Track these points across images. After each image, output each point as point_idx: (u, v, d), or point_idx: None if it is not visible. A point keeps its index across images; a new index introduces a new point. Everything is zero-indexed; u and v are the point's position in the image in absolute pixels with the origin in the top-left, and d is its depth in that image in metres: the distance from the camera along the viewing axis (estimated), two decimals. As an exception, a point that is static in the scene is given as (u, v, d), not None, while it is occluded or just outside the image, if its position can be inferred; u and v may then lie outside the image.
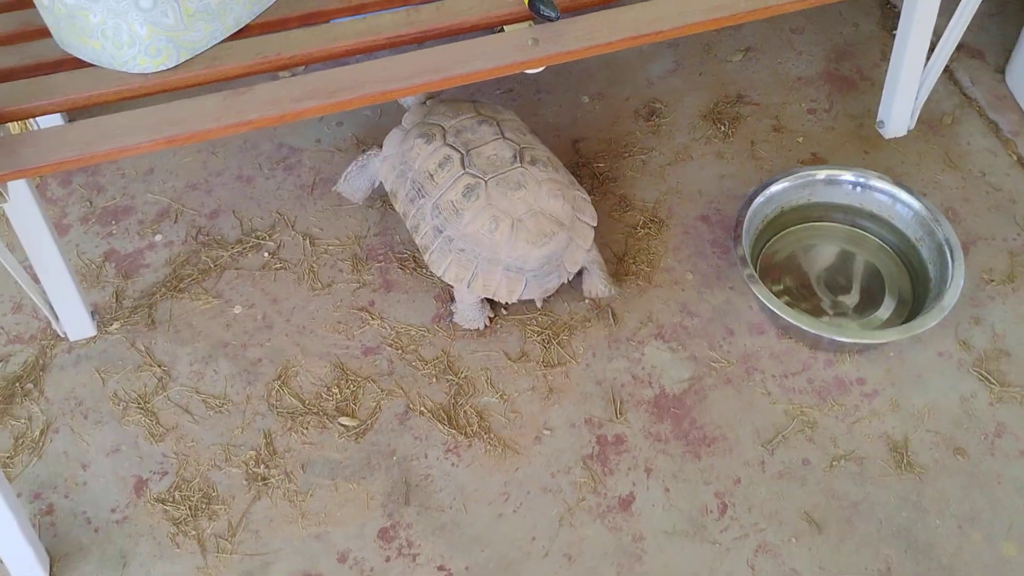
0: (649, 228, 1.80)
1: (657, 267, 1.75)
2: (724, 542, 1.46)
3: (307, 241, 1.78)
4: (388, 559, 1.44)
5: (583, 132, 1.95)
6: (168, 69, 1.28)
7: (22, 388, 1.59)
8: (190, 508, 1.48)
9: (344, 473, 1.52)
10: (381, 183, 1.75)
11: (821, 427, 1.57)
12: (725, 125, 1.96)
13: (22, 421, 1.56)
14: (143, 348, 1.64)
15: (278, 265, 1.75)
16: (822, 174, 1.73)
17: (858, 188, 1.74)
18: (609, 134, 1.95)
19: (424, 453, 1.54)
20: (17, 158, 1.20)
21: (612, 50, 1.33)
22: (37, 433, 1.54)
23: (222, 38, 1.32)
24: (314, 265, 1.75)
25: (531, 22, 1.36)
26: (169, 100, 1.25)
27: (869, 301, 1.71)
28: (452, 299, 1.69)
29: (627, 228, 1.80)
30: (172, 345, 1.65)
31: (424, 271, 1.74)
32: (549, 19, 1.31)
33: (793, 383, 1.61)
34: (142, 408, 1.57)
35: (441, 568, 1.43)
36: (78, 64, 1.31)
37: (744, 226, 1.68)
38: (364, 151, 1.77)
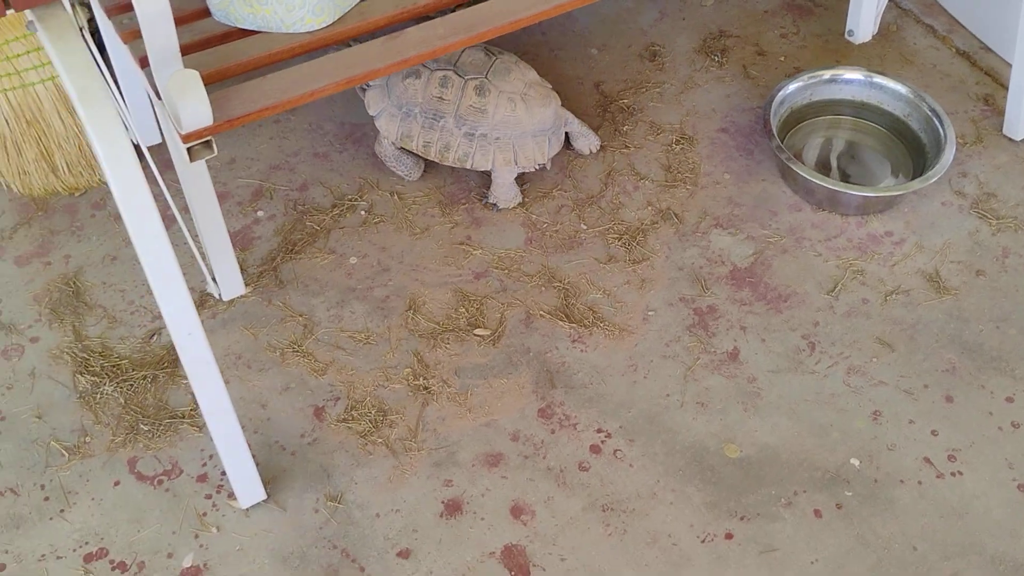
0: (682, 144, 2.09)
1: (699, 173, 2.04)
2: (820, 371, 1.74)
3: (395, 197, 1.99)
4: (553, 432, 1.67)
5: (600, 77, 2.23)
6: (328, 26, 1.49)
7: (183, 352, 1.74)
8: (370, 422, 1.67)
9: (492, 372, 1.74)
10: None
11: (868, 273, 1.88)
12: (717, 56, 2.28)
13: (193, 379, 1.71)
14: (280, 304, 1.81)
15: (376, 220, 1.95)
16: (827, 73, 2.07)
17: (851, 84, 2.08)
18: (623, 75, 2.23)
19: (554, 346, 1.77)
20: (229, 109, 1.38)
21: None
22: (211, 386, 1.70)
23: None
24: (407, 215, 1.96)
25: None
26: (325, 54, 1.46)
27: (877, 173, 2.04)
28: (485, 195, 1.97)
29: (664, 146, 2.09)
30: (305, 297, 1.83)
31: (505, 205, 1.98)
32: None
33: (836, 244, 1.93)
34: (298, 351, 1.75)
35: (599, 431, 1.67)
36: (243, 34, 1.50)
37: (772, 125, 1.99)
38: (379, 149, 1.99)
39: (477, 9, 1.54)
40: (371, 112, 1.94)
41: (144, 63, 1.40)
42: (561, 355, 1.77)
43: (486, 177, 1.99)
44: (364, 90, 1.97)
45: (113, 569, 1.49)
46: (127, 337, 1.76)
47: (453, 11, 1.58)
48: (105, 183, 1.96)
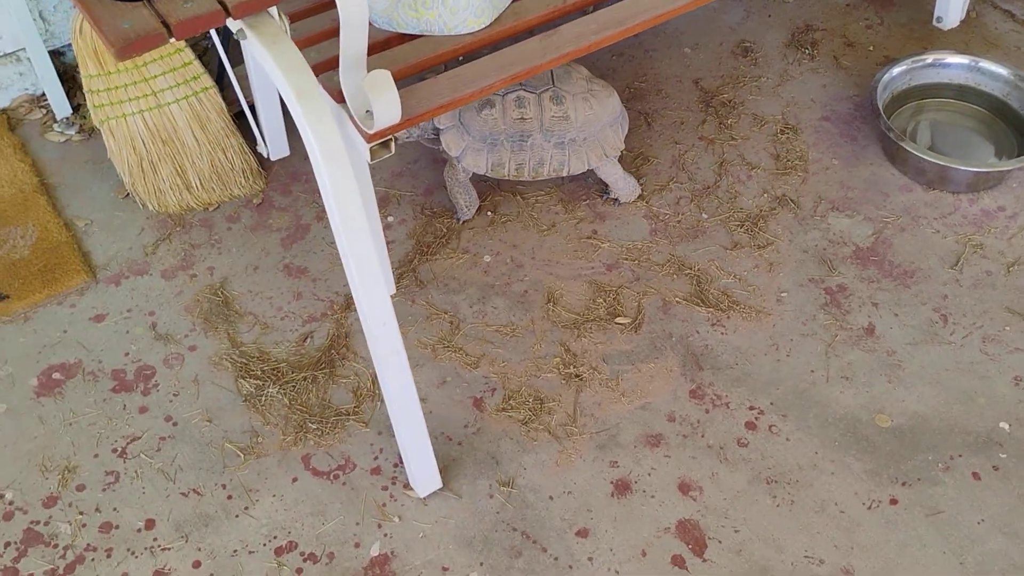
0: (787, 133, 2.16)
1: (807, 160, 2.10)
2: (956, 341, 1.79)
3: (517, 197, 2.04)
4: (707, 411, 1.71)
5: (698, 74, 2.29)
6: (487, 27, 1.56)
7: (337, 353, 1.79)
8: (529, 410, 1.71)
9: (639, 357, 1.78)
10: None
11: (987, 246, 1.93)
12: (808, 49, 2.34)
13: (351, 378, 1.75)
14: (424, 302, 1.86)
15: (503, 219, 2.00)
16: (930, 58, 2.14)
17: (951, 67, 2.15)
18: (719, 71, 2.30)
19: (695, 330, 1.82)
20: (408, 109, 1.44)
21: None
22: (369, 384, 1.75)
23: (511, 1, 1.60)
24: (532, 213, 2.01)
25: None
26: (485, 53, 1.53)
27: (980, 153, 2.10)
28: (605, 191, 2.03)
29: (770, 136, 2.15)
30: (447, 295, 1.88)
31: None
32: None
33: (951, 220, 1.98)
34: (448, 346, 1.80)
35: (752, 408, 1.72)
36: (403, 39, 1.57)
37: (880, 107, 2.05)
38: (450, 173, 1.98)
39: (625, 5, 1.60)
40: (453, 153, 1.93)
41: (319, 69, 1.47)
42: (703, 338, 1.82)
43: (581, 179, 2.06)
44: (436, 134, 1.96)
45: (304, 560, 1.54)
46: (281, 342, 1.81)
47: (594, 9, 1.64)
48: (237, 197, 2.02)
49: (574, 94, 1.91)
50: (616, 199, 2.02)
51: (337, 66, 1.49)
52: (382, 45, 1.56)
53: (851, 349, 1.79)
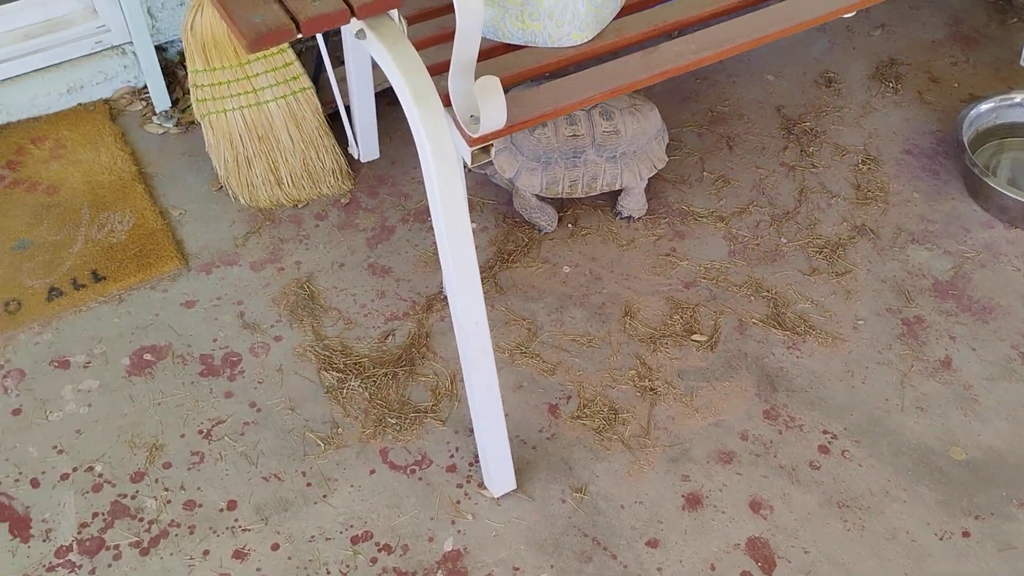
0: (868, 164, 2.17)
1: (888, 191, 2.11)
2: (1033, 379, 1.79)
3: (598, 211, 2.08)
4: (780, 432, 1.73)
5: (780, 101, 2.32)
6: (588, 41, 1.60)
7: (418, 352, 1.83)
8: (603, 419, 1.74)
9: (714, 375, 1.80)
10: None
11: (1068, 287, 1.93)
12: (892, 82, 2.36)
13: (430, 377, 1.79)
14: (503, 308, 1.90)
15: (583, 232, 2.04)
16: (1018, 97, 2.14)
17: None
18: (802, 100, 2.32)
19: (771, 352, 1.84)
20: (510, 115, 1.48)
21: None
22: (448, 383, 1.79)
23: (613, 16, 1.64)
24: (612, 228, 2.05)
25: (835, -18, 1.72)
26: (590, 66, 1.56)
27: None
28: (619, 209, 2.05)
29: (851, 166, 2.16)
30: (525, 302, 1.91)
31: (705, 218, 2.05)
32: (862, -27, 1.68)
33: (1033, 259, 1.99)
34: (525, 352, 1.83)
35: (825, 432, 1.73)
36: (506, 49, 1.61)
37: (965, 142, 2.06)
38: (518, 201, 2.01)
39: (725, 26, 1.63)
40: (508, 175, 1.96)
41: (435, 71, 1.51)
42: (778, 360, 1.83)
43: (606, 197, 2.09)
44: (488, 169, 2.01)
45: (379, 550, 1.57)
46: (363, 337, 1.85)
47: (696, 30, 1.68)
48: (325, 196, 2.08)
49: (621, 109, 1.95)
50: (630, 216, 2.05)
51: (442, 71, 1.54)
52: (487, 53, 1.60)
53: (927, 380, 1.80)
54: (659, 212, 2.08)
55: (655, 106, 2.01)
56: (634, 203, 2.04)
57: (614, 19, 1.65)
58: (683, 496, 1.65)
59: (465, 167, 1.90)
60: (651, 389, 1.79)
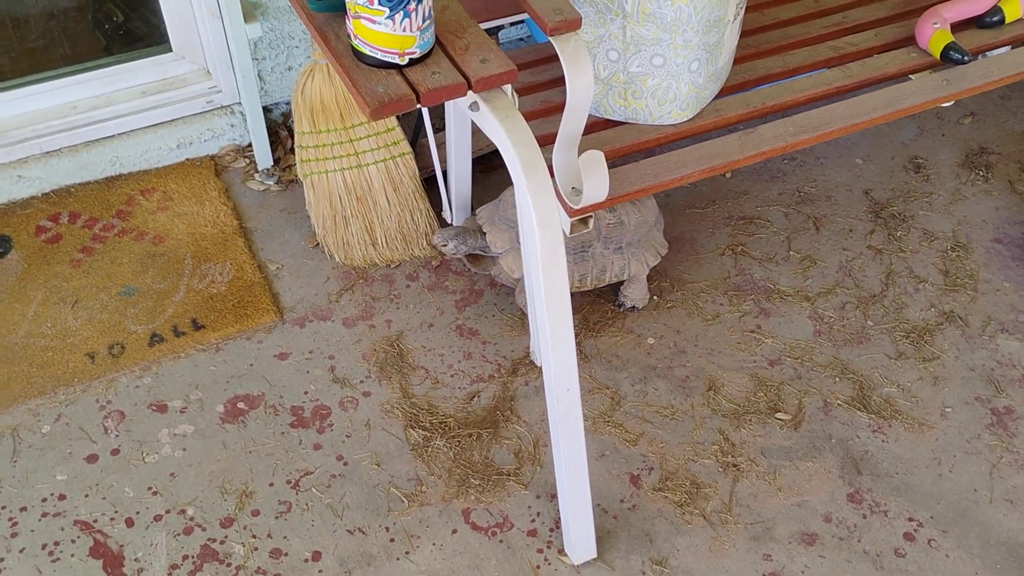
0: (957, 251, 2.16)
1: (977, 279, 2.10)
2: None
3: (685, 285, 2.10)
4: (864, 516, 1.71)
5: (868, 184, 2.33)
6: (688, 120, 1.64)
7: (502, 415, 1.86)
8: (685, 493, 1.74)
9: (798, 455, 1.80)
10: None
11: None
12: (982, 171, 2.36)
13: (514, 440, 1.82)
14: (587, 376, 1.93)
15: (668, 305, 2.06)
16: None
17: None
18: (890, 184, 2.33)
19: (855, 435, 1.83)
20: (610, 189, 1.53)
21: (1012, 81, 1.72)
22: (531, 448, 1.81)
23: (712, 97, 1.68)
24: (697, 302, 2.07)
25: (932, 69, 1.75)
26: (687, 144, 1.61)
27: None
28: (620, 302, 2.04)
29: (939, 252, 2.16)
30: (609, 372, 1.94)
31: (791, 297, 2.06)
32: (961, 63, 1.71)
33: None
34: (608, 421, 1.85)
35: (911, 519, 1.70)
36: (607, 124, 1.66)
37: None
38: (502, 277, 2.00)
39: (823, 111, 1.67)
40: (516, 275, 1.94)
41: (545, 141, 1.57)
42: (863, 443, 1.82)
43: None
44: (483, 252, 1.99)
45: (459, 611, 1.59)
46: (450, 397, 1.89)
47: (793, 114, 1.71)
48: (417, 257, 2.14)
49: (623, 206, 1.94)
50: (634, 306, 2.04)
51: (544, 144, 1.60)
52: (588, 128, 1.65)
53: (1017, 473, 1.77)
54: (745, 289, 2.10)
55: (651, 195, 2.00)
56: (637, 293, 2.03)
57: (713, 99, 1.69)
58: (764, 575, 1.63)
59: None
60: (734, 465, 1.79)
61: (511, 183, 1.85)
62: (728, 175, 2.36)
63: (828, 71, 1.74)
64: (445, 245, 1.97)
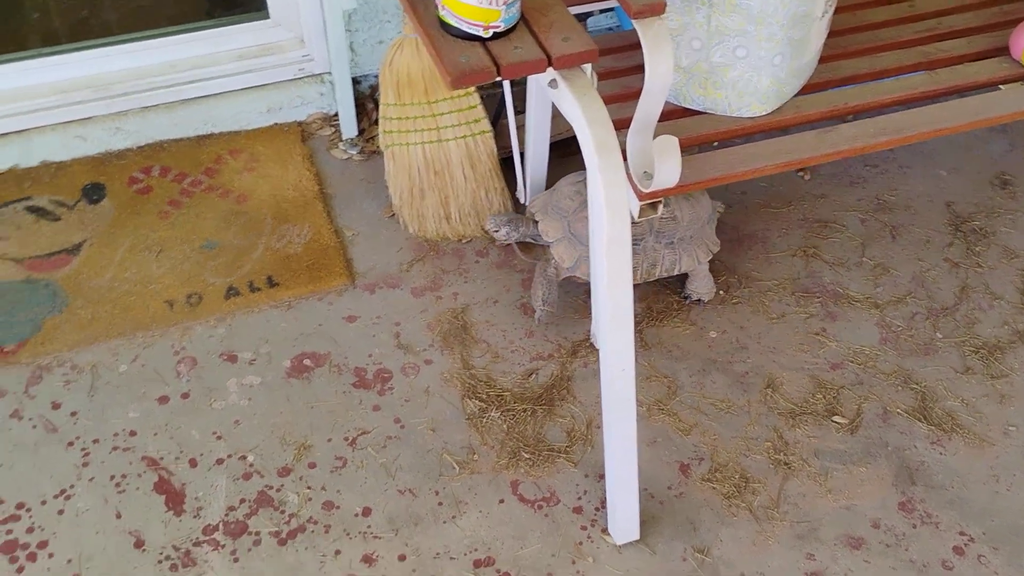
0: (1038, 270, 2.12)
1: (1057, 300, 2.06)
2: None
3: (752, 283, 2.10)
4: (914, 526, 1.69)
5: (951, 197, 2.29)
6: (767, 114, 1.64)
7: (558, 394, 1.89)
8: (733, 486, 1.75)
9: (852, 459, 1.79)
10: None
11: None
12: (1071, 191, 2.30)
13: (567, 419, 1.85)
14: (646, 363, 1.94)
15: (734, 300, 2.06)
16: None
17: None
18: (974, 199, 2.29)
19: (913, 444, 1.81)
20: (681, 176, 1.54)
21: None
22: (584, 428, 1.83)
23: (794, 93, 1.68)
24: (763, 300, 2.06)
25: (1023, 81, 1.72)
26: (762, 138, 1.61)
27: None
28: (685, 295, 2.04)
29: (1019, 271, 2.12)
30: (668, 361, 1.95)
31: (860, 303, 2.05)
32: (1053, 76, 1.67)
33: None
34: (663, 409, 1.86)
35: (962, 533, 1.68)
36: (685, 113, 1.67)
37: None
38: (542, 268, 1.97)
39: (906, 115, 1.65)
40: (566, 264, 1.91)
41: (621, 125, 1.59)
42: (920, 454, 1.80)
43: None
44: (533, 240, 1.99)
45: (499, 578, 1.63)
46: (508, 372, 1.92)
47: (875, 116, 1.70)
48: (488, 235, 2.17)
49: (676, 196, 1.94)
50: (699, 299, 2.04)
51: (620, 128, 1.61)
52: (666, 115, 1.67)
53: (1078, 498, 1.73)
54: (813, 291, 2.08)
55: (705, 191, 2.00)
56: (702, 286, 2.03)
57: (795, 96, 1.69)
58: (806, 574, 1.63)
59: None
60: (785, 463, 1.78)
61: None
62: (807, 177, 2.34)
63: (915, 75, 1.72)
64: (497, 231, 1.99)
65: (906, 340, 1.99)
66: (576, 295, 2.06)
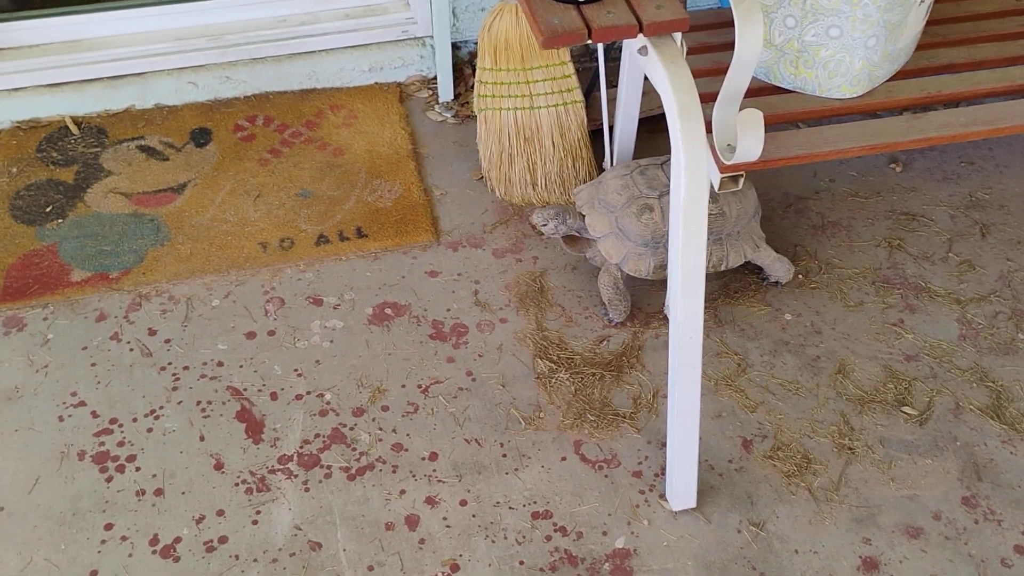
0: None
1: None
2: None
3: (833, 270, 2.09)
4: (976, 521, 1.68)
5: (1048, 200, 2.25)
6: (857, 96, 1.65)
7: (627, 361, 1.92)
8: (795, 465, 1.76)
9: (918, 450, 1.78)
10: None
11: None
12: None
13: (634, 386, 1.88)
14: (718, 340, 1.96)
15: (812, 285, 2.07)
16: None
17: None
18: (1072, 203, 2.24)
19: (983, 442, 1.79)
20: (765, 152, 1.56)
21: None
22: (650, 396, 1.87)
23: (886, 78, 1.68)
24: (842, 287, 2.06)
25: None
26: (850, 120, 1.61)
27: None
28: (763, 276, 2.04)
29: (1112, 278, 2.07)
30: (741, 339, 1.96)
31: (941, 298, 2.03)
32: None
33: None
34: (730, 385, 1.88)
35: (1025, 533, 1.67)
36: (775, 91, 1.69)
37: None
38: (605, 271, 1.98)
39: (1002, 106, 1.63)
40: (614, 260, 1.93)
41: (702, 99, 1.61)
42: (989, 452, 1.78)
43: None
44: (579, 233, 1.99)
45: (555, 531, 1.67)
46: (580, 337, 1.96)
47: (957, 106, 1.68)
48: (572, 203, 2.21)
49: (722, 193, 1.90)
50: (777, 281, 2.03)
51: (707, 101, 1.63)
52: (755, 92, 1.68)
53: None
54: (894, 282, 2.07)
55: (752, 185, 1.98)
56: (778, 270, 2.02)
57: (887, 80, 1.68)
58: (860, 557, 1.64)
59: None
60: (849, 448, 1.79)
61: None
62: (899, 169, 2.32)
63: (1014, 68, 1.70)
64: (545, 225, 1.98)
65: (986, 338, 1.97)
66: (654, 268, 2.09)
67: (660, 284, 2.05)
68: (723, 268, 1.98)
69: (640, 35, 1.40)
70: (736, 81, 1.45)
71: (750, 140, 1.48)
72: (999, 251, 2.14)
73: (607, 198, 1.95)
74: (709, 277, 2.06)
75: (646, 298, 2.03)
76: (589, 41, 1.39)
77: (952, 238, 2.17)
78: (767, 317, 2.01)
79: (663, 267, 1.94)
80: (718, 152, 1.54)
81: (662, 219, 1.91)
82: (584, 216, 1.99)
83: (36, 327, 1.95)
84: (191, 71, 2.38)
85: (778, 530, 1.67)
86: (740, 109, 1.53)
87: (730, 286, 2.06)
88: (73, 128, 2.35)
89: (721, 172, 1.55)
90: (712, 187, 1.59)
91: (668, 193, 1.91)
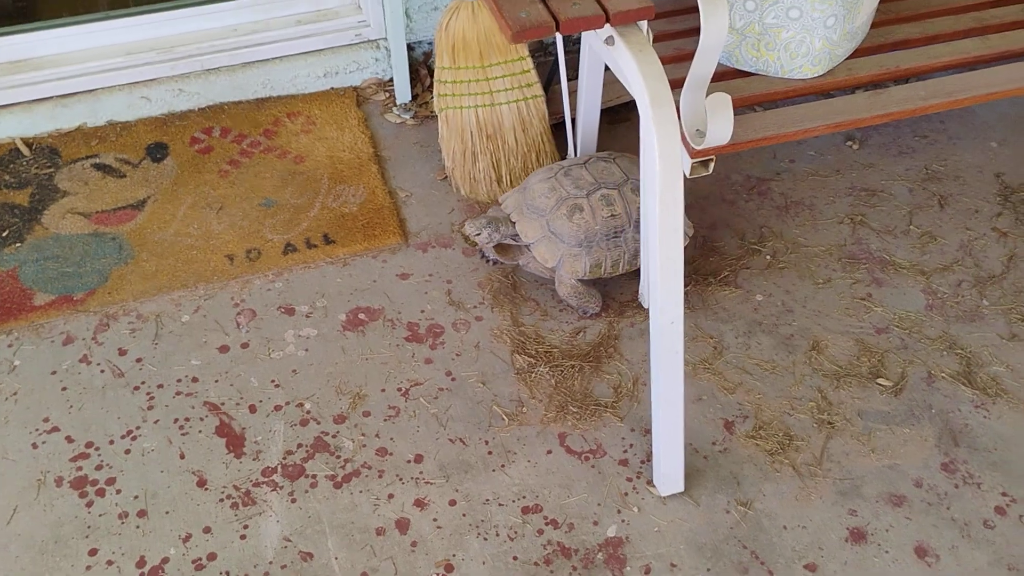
0: (1087, 241, 2.12)
1: (1105, 271, 2.06)
2: None
3: (800, 249, 2.12)
4: (956, 486, 1.72)
5: (1001, 168, 2.29)
6: (818, 76, 1.67)
7: (605, 351, 1.93)
8: (777, 443, 1.78)
9: (895, 420, 1.81)
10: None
11: None
12: (1124, 164, 2.29)
13: (614, 375, 1.89)
14: (692, 324, 1.98)
15: (780, 265, 2.09)
16: None
17: None
18: (1024, 170, 2.29)
19: (957, 408, 1.83)
20: (734, 135, 1.57)
21: None
22: (630, 384, 1.88)
23: (846, 56, 1.70)
24: (809, 266, 2.09)
25: (1077, 49, 1.72)
26: (812, 100, 1.63)
27: None
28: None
29: (1068, 241, 2.12)
30: (715, 323, 1.98)
31: (906, 270, 2.06)
32: (1109, 41, 1.68)
33: None
34: (708, 368, 1.90)
35: (1004, 494, 1.70)
36: (738, 74, 1.70)
37: None
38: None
39: (959, 78, 1.67)
40: (549, 264, 1.93)
41: (675, 85, 1.62)
42: (964, 417, 1.82)
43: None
44: (512, 240, 1.97)
45: (547, 524, 1.67)
46: (556, 330, 1.97)
47: (929, 78, 1.71)
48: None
49: None
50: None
51: (674, 87, 1.65)
52: (718, 76, 1.70)
53: (1122, 463, 1.74)
54: (860, 257, 2.10)
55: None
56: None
57: (847, 58, 1.71)
58: (848, 529, 1.66)
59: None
60: (829, 423, 1.81)
61: (637, 136, 1.90)
62: (855, 147, 2.35)
63: (967, 40, 1.73)
64: (479, 234, 1.96)
65: (952, 307, 2.01)
66: (624, 258, 2.10)
67: (631, 273, 2.06)
68: (619, 272, 1.97)
69: (607, 25, 1.41)
70: (702, 66, 1.47)
71: (720, 124, 1.49)
72: (958, 221, 2.18)
73: (535, 202, 1.95)
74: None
75: (617, 288, 2.04)
76: (557, 33, 1.39)
77: (912, 211, 2.21)
78: (739, 299, 2.03)
79: (599, 266, 1.94)
80: (687, 138, 1.55)
81: (593, 218, 1.91)
82: (514, 223, 1.98)
83: (1, 354, 1.91)
84: (143, 85, 2.34)
85: (766, 508, 1.69)
86: (707, 94, 1.55)
87: (701, 270, 2.08)
88: (24, 150, 2.29)
89: (692, 157, 1.56)
90: (684, 174, 1.60)
91: (596, 191, 1.92)
